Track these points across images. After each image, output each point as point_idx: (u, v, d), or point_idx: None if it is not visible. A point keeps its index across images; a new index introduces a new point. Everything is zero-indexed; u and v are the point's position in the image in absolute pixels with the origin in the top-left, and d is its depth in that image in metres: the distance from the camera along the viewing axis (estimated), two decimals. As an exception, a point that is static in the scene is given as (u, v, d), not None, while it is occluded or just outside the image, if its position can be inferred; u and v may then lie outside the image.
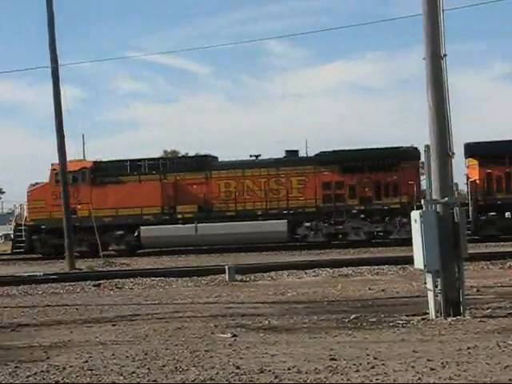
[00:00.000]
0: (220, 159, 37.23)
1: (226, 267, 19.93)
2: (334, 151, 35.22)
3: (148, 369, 7.88)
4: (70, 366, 8.18)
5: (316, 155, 35.74)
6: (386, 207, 34.33)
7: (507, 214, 34.02)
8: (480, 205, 33.63)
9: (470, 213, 32.83)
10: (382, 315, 11.50)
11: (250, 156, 36.46)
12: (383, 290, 15.47)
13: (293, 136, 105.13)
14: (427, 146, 11.46)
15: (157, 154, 66.91)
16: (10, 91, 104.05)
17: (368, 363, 7.65)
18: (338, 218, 34.71)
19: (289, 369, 7.53)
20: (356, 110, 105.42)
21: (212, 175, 35.77)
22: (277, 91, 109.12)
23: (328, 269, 20.71)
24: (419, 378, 6.89)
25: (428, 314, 11.04)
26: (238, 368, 7.66)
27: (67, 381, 7.50)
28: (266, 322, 11.44)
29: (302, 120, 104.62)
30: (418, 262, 11.09)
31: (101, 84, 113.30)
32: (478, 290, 14.47)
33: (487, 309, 11.56)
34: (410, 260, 13.44)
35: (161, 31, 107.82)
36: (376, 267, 20.47)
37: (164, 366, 7.98)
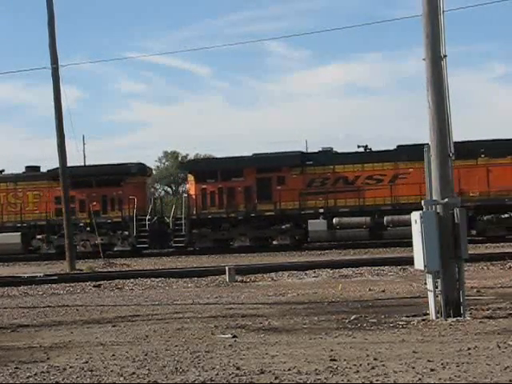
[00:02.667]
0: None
1: (227, 268, 19.94)
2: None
3: (148, 369, 7.88)
4: (71, 367, 8.18)
5: (49, 171, 36.94)
6: (109, 220, 36.21)
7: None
8: (193, 219, 35.44)
9: (183, 226, 35.11)
10: (382, 316, 11.50)
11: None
12: (383, 291, 15.47)
13: (294, 137, 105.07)
14: (427, 146, 11.46)
15: (157, 154, 66.94)
16: (10, 91, 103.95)
17: (368, 364, 7.65)
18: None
19: (289, 369, 7.54)
20: (357, 110, 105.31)
21: None
22: (277, 92, 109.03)
23: (328, 269, 20.72)
24: (419, 379, 6.89)
25: (428, 314, 11.04)
26: (238, 369, 7.67)
27: (67, 381, 7.51)
28: (267, 322, 11.45)
29: (302, 120, 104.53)
30: (419, 262, 11.09)
31: (101, 85, 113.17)
32: (478, 291, 14.48)
33: (487, 310, 11.56)
34: (410, 261, 13.45)
35: (161, 32, 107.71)
36: (376, 268, 20.48)
37: (164, 367, 7.99)
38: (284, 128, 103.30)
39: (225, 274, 19.70)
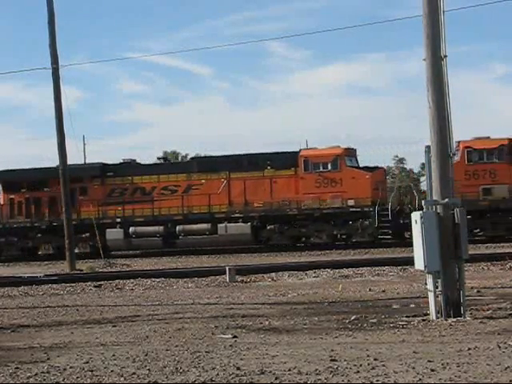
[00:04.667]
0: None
1: (227, 268, 19.94)
2: None
3: (148, 370, 7.88)
4: (71, 367, 8.18)
5: None
6: None
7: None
8: (0, 228, 36.92)
9: None
10: (383, 316, 11.50)
11: None
12: (384, 291, 15.47)
13: (295, 137, 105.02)
14: (427, 147, 11.46)
15: (157, 155, 66.88)
16: (10, 92, 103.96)
17: (368, 364, 7.65)
18: None
19: (289, 370, 7.53)
20: (358, 110, 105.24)
21: None
22: (278, 92, 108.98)
23: (328, 270, 20.71)
24: (420, 379, 6.89)
25: (428, 314, 11.04)
26: (238, 369, 7.67)
27: (67, 382, 7.51)
28: (267, 322, 11.45)
29: (303, 121, 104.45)
30: (419, 262, 11.09)
31: (102, 85, 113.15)
32: (478, 291, 14.48)
33: (488, 310, 11.55)
34: (410, 261, 13.45)
35: (162, 33, 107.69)
36: (376, 268, 20.47)
37: (164, 367, 7.99)
38: (285, 128, 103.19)
39: (225, 274, 19.70)
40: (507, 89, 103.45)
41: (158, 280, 20.01)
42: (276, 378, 7.16)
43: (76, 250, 36.57)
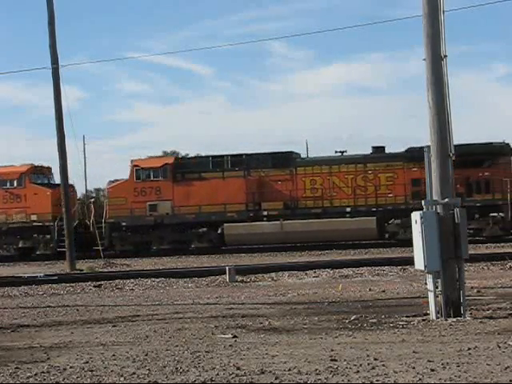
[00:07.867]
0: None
1: (227, 268, 19.94)
2: None
3: (148, 370, 7.88)
4: (71, 367, 8.18)
5: None
6: None
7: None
8: None
9: None
10: (383, 316, 11.51)
11: None
12: (383, 291, 15.47)
13: (296, 137, 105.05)
14: (427, 147, 11.47)
15: (157, 155, 66.83)
16: (10, 91, 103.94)
17: (368, 364, 7.65)
18: None
19: (289, 369, 7.54)
20: (359, 110, 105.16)
21: None
22: (279, 92, 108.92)
23: (328, 270, 20.71)
24: (420, 379, 6.89)
25: (428, 314, 11.05)
26: (238, 369, 7.67)
27: (67, 381, 7.51)
28: (267, 322, 11.45)
29: (304, 121, 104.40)
30: (419, 262, 11.10)
31: (103, 85, 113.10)
32: (478, 291, 14.48)
33: (488, 310, 11.56)
34: (410, 261, 13.46)
35: (162, 32, 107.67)
36: (376, 268, 20.47)
37: (164, 367, 7.99)
38: (286, 128, 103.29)
39: (225, 274, 19.71)
40: (508, 89, 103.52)
41: (157, 280, 20.02)
42: (276, 378, 7.16)
43: None
